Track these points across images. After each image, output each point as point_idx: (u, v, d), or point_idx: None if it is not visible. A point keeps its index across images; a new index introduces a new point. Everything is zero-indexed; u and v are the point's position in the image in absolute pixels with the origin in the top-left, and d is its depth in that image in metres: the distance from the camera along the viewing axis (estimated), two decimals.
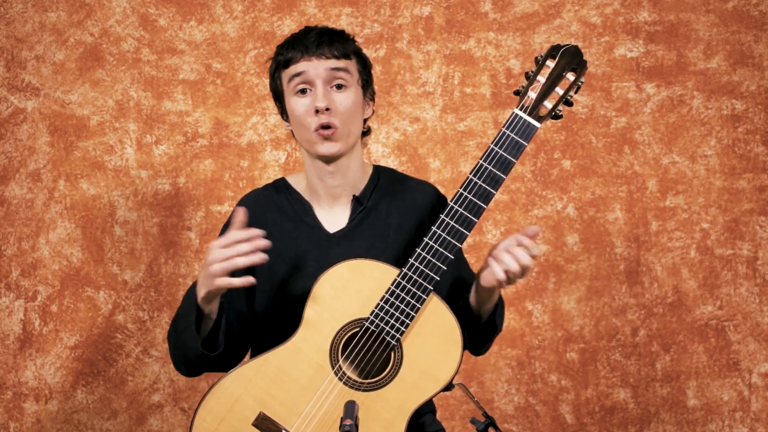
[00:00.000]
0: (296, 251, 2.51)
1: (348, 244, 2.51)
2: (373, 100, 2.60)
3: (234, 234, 2.30)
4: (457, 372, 2.37)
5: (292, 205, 2.55)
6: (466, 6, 3.52)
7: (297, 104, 2.50)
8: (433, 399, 2.44)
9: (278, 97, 2.57)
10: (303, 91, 2.49)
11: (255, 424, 2.28)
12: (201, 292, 2.35)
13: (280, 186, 2.60)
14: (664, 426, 3.49)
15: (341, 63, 2.49)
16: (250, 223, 2.52)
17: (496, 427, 2.27)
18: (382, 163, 3.50)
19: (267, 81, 3.48)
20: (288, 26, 3.50)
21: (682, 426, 3.49)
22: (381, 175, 2.60)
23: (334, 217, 2.55)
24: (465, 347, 2.48)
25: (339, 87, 2.49)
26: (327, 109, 2.45)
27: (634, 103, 3.51)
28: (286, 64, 2.51)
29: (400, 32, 3.52)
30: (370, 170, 2.60)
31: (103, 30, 3.50)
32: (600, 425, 3.49)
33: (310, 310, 2.40)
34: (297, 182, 2.59)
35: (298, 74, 2.48)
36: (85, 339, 3.48)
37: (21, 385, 3.47)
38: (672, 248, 3.50)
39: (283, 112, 2.57)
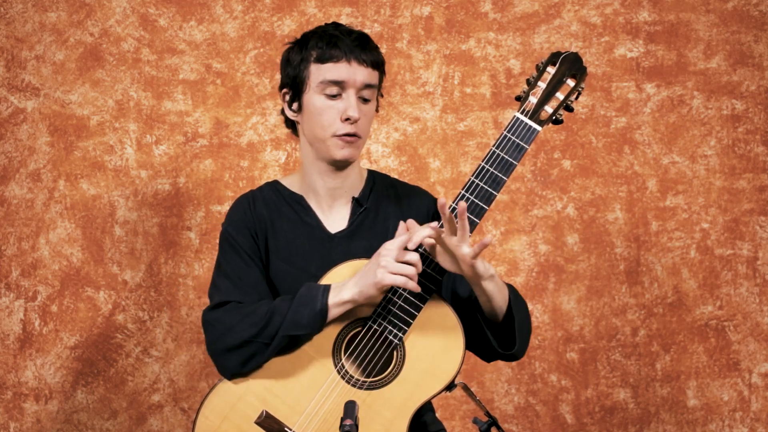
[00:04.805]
0: (297, 251, 2.51)
1: (348, 244, 2.52)
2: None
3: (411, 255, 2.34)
4: (459, 371, 2.38)
5: (292, 207, 2.55)
6: (466, 6, 3.52)
7: (324, 104, 2.48)
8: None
9: (296, 85, 2.53)
10: (334, 96, 2.49)
11: (258, 423, 2.28)
12: (350, 296, 2.35)
13: (276, 187, 2.60)
14: (664, 426, 3.49)
15: (374, 77, 2.50)
16: (248, 225, 2.53)
17: (498, 427, 2.28)
18: (383, 162, 3.50)
19: (267, 81, 3.51)
20: (288, 26, 3.50)
21: (682, 426, 3.49)
22: (376, 180, 2.61)
23: (333, 218, 2.55)
24: (489, 351, 2.48)
25: (365, 101, 2.50)
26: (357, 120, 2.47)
27: (634, 103, 3.51)
28: (323, 59, 2.48)
29: (400, 32, 3.52)
30: (365, 174, 2.62)
31: (103, 30, 3.50)
32: (600, 425, 3.49)
33: None
34: (291, 184, 2.59)
35: (336, 81, 2.46)
36: (85, 339, 3.47)
37: (21, 385, 3.47)
38: (672, 248, 3.50)
39: (295, 101, 2.55)
